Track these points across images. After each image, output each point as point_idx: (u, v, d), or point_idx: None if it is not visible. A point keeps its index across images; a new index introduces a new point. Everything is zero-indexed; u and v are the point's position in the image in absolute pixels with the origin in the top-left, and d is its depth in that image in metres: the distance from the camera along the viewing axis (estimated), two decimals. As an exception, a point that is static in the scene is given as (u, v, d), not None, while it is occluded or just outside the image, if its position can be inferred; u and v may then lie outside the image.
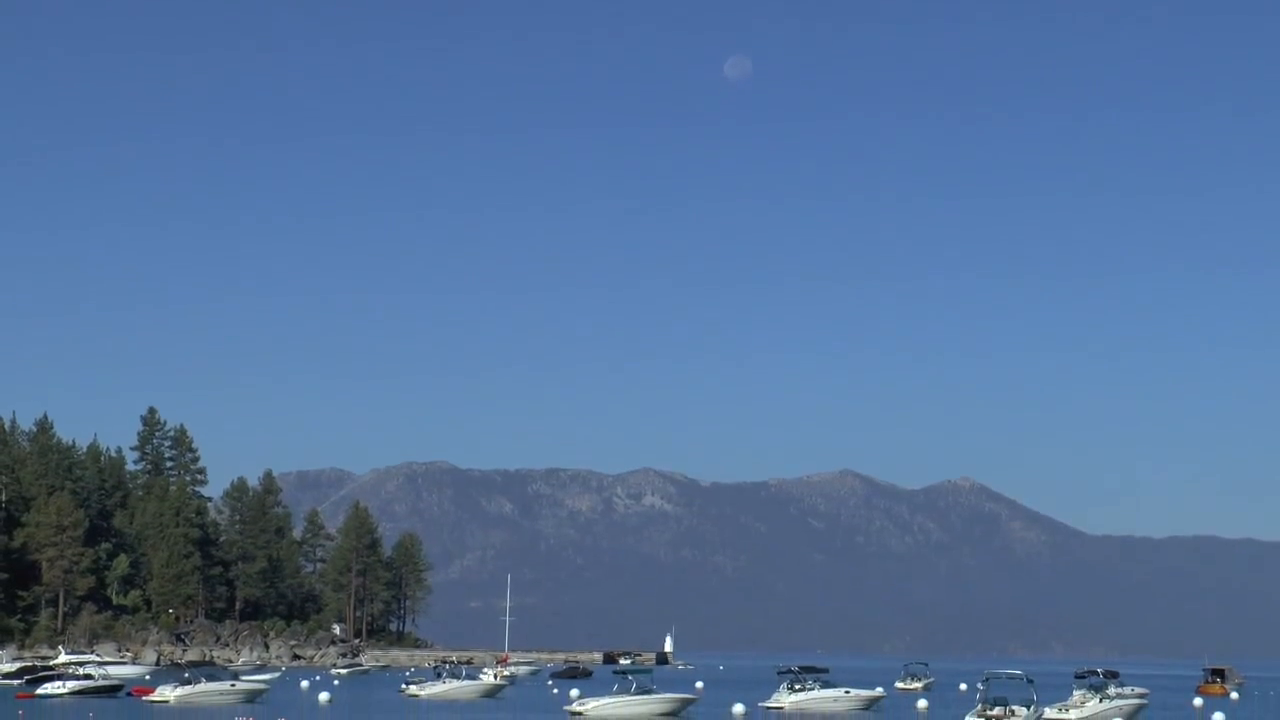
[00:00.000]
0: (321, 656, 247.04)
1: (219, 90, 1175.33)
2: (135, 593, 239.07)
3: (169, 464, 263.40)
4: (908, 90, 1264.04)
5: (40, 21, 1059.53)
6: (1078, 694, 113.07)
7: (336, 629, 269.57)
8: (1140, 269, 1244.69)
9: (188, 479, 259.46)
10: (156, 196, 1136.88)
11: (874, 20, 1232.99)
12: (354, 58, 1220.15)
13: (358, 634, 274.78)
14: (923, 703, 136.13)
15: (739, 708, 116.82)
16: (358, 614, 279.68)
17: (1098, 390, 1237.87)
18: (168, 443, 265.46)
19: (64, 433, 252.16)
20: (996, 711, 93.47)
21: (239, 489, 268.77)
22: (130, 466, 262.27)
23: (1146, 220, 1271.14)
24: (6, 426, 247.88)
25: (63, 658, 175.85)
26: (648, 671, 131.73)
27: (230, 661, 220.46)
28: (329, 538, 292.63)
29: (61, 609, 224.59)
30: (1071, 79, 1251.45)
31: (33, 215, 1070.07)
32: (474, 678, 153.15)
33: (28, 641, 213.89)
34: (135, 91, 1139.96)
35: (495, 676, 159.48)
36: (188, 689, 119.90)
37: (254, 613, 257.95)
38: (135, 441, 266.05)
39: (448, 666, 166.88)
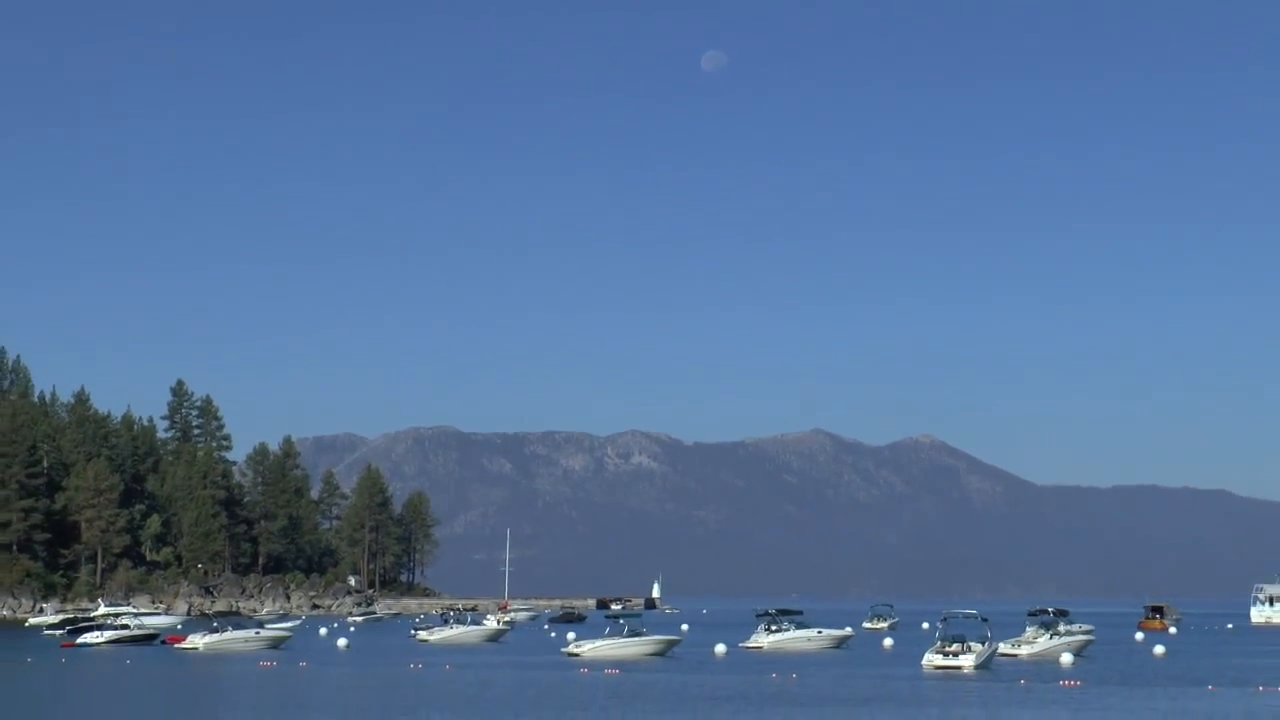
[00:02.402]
0: (338, 606, 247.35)
1: (221, 68, 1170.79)
2: (167, 550, 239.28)
3: (196, 431, 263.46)
4: (869, 73, 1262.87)
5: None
6: (1030, 631, 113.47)
7: (352, 580, 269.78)
8: (1084, 238, 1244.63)
9: (214, 445, 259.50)
10: (167, 181, 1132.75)
11: (842, 19, 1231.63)
12: (364, 39, 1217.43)
13: (371, 585, 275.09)
14: (888, 641, 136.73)
15: (721, 647, 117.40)
16: (371, 566, 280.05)
17: (1045, 351, 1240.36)
18: (195, 412, 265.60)
19: (100, 404, 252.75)
20: (954, 648, 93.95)
21: (261, 453, 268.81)
22: (161, 434, 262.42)
23: (1094, 184, 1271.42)
24: (47, 399, 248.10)
25: (101, 610, 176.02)
26: (637, 616, 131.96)
27: (255, 611, 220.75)
28: (344, 497, 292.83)
29: (100, 565, 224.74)
30: (1030, 54, 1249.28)
31: (69, 205, 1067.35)
32: (478, 623, 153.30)
33: (69, 595, 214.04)
34: (142, 70, 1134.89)
35: (497, 622, 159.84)
36: (216, 637, 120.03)
37: (276, 567, 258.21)
38: (165, 411, 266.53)
39: (454, 613, 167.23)
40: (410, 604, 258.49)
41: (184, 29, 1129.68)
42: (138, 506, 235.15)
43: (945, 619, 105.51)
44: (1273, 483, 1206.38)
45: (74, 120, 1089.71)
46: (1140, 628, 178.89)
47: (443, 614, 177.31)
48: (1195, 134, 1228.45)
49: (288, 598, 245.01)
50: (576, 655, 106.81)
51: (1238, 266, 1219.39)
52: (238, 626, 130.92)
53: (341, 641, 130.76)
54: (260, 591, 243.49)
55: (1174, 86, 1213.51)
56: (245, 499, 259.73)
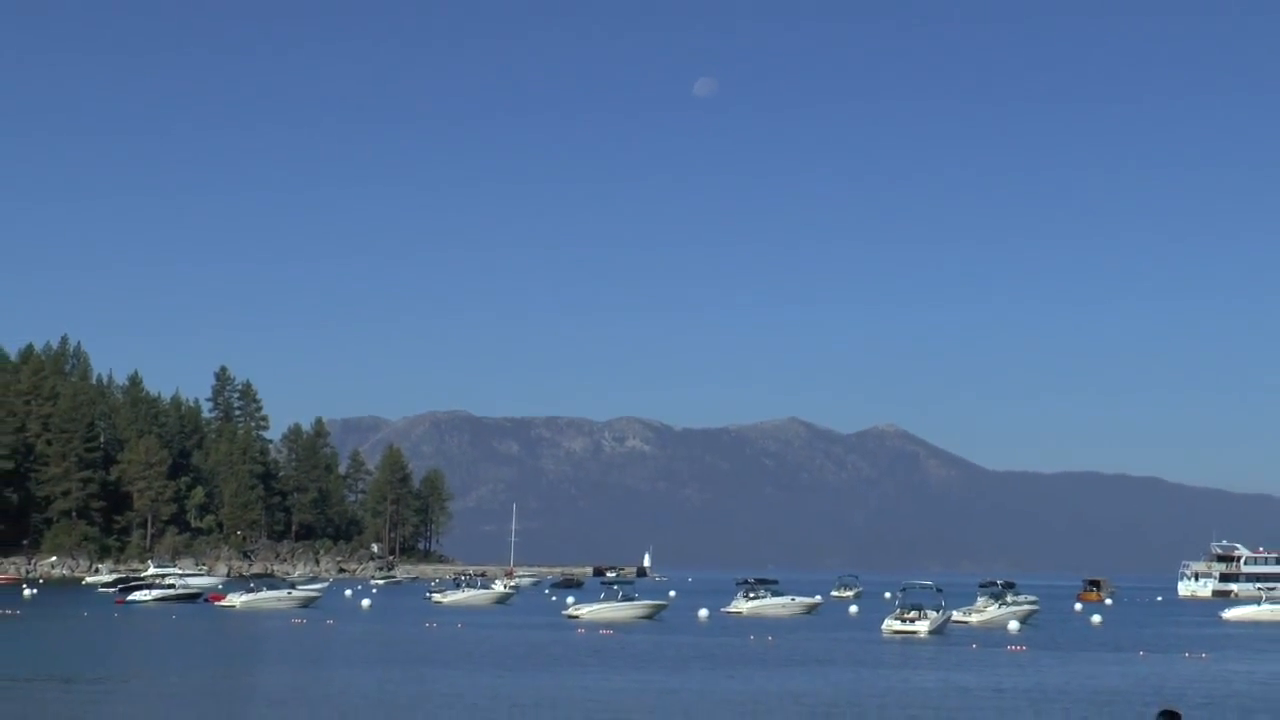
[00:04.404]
0: (362, 570, 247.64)
1: (263, 81, 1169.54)
2: (209, 518, 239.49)
3: (237, 412, 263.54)
4: (845, 97, 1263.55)
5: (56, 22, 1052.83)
6: (981, 600, 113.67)
7: (375, 548, 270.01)
8: (1033, 248, 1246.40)
9: (253, 425, 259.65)
10: (214, 184, 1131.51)
11: (820, 50, 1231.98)
12: (397, 55, 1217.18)
13: (392, 551, 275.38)
14: (854, 608, 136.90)
15: (703, 612, 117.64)
16: (392, 535, 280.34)
17: (999, 349, 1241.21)
18: (236, 395, 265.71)
19: (151, 387, 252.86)
20: (912, 615, 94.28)
21: (295, 433, 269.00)
22: (205, 414, 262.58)
23: (1041, 197, 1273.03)
24: (104, 381, 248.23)
25: (150, 570, 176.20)
26: (630, 583, 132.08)
27: (288, 574, 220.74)
28: (368, 473, 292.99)
29: (149, 531, 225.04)
30: (986, 81, 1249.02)
31: (127, 206, 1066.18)
32: (487, 587, 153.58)
33: (122, 557, 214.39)
34: (192, 78, 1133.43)
35: (504, 586, 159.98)
36: (253, 596, 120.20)
37: (307, 534, 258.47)
38: (210, 394, 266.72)
39: (465, 578, 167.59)
40: (426, 569, 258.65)
41: (232, 41, 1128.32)
42: (184, 479, 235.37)
43: (904, 589, 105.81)
44: (1199, 470, 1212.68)
45: (128, 129, 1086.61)
46: (1079, 599, 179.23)
47: (455, 579, 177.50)
48: (1141, 146, 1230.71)
49: (317, 562, 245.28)
50: (575, 617, 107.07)
51: (1171, 275, 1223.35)
52: (272, 587, 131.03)
53: (365, 602, 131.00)
54: (292, 556, 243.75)
55: (1124, 104, 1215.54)
56: (280, 473, 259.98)
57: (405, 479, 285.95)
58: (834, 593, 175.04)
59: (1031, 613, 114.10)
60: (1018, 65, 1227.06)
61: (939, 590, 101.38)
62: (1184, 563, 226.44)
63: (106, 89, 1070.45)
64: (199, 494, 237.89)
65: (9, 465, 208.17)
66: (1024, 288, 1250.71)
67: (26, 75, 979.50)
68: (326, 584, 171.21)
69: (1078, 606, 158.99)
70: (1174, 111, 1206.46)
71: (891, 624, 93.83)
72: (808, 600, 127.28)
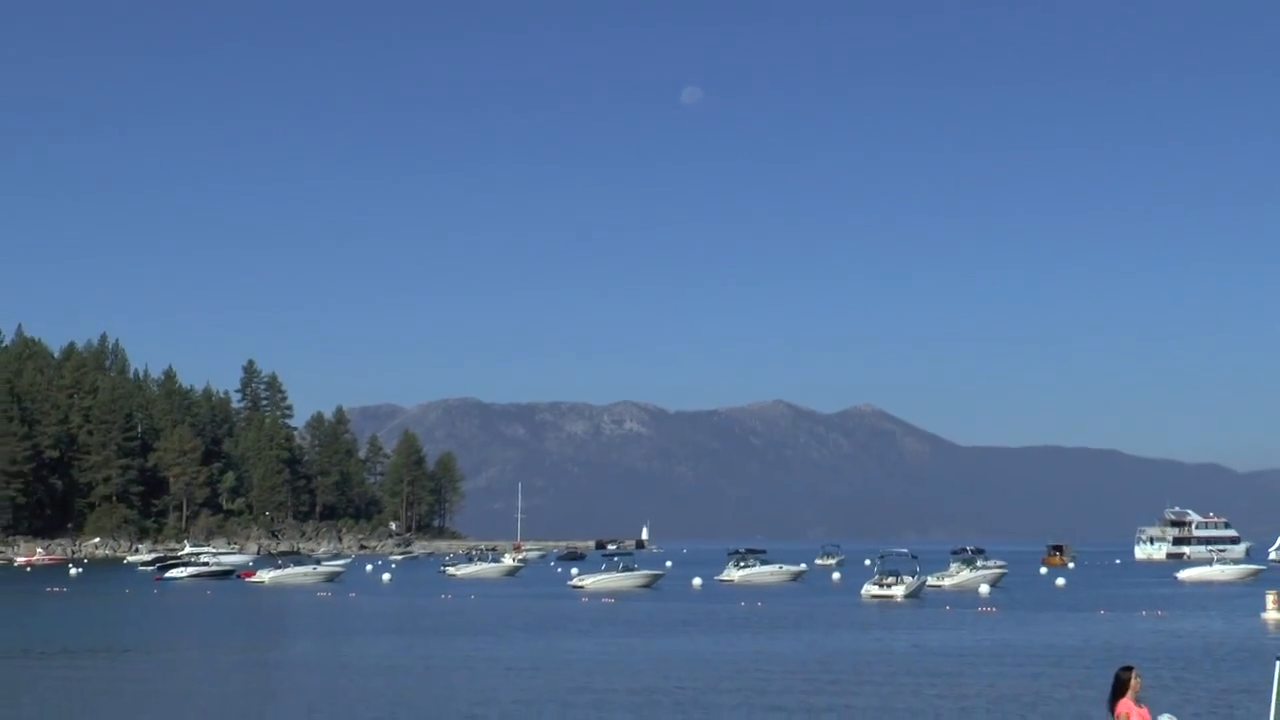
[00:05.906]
0: (382, 546, 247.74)
1: (282, 81, 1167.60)
2: (240, 500, 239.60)
3: (264, 402, 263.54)
4: (821, 97, 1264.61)
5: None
6: (953, 566, 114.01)
7: (393, 525, 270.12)
8: (999, 241, 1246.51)
9: (279, 414, 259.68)
10: (237, 191, 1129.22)
11: (807, 60, 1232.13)
12: (385, 52, 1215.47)
13: (409, 529, 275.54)
14: (836, 575, 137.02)
15: (697, 580, 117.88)
16: (409, 514, 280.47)
17: (967, 333, 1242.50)
18: (263, 386, 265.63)
19: (184, 380, 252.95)
20: (890, 580, 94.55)
21: (317, 421, 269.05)
22: (235, 405, 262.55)
23: (999, 183, 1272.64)
24: (141, 376, 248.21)
25: (186, 550, 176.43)
26: (629, 554, 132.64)
27: (313, 551, 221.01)
28: (386, 457, 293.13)
29: (185, 513, 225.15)
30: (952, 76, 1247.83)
31: (163, 210, 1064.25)
32: (497, 561, 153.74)
33: (160, 538, 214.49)
34: (218, 78, 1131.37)
35: (513, 560, 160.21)
36: (281, 572, 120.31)
37: (330, 514, 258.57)
38: (238, 386, 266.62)
39: (477, 553, 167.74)
40: (441, 545, 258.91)
41: (253, 37, 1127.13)
42: (216, 465, 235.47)
43: (883, 556, 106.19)
44: (1154, 444, 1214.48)
45: (150, 126, 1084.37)
46: (1044, 563, 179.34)
47: (468, 553, 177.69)
48: (1107, 125, 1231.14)
49: (340, 540, 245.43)
50: (579, 587, 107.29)
51: (1127, 254, 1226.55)
52: (298, 564, 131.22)
53: (385, 576, 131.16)
54: (317, 535, 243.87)
55: (1090, 85, 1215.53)
56: (304, 458, 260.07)
57: (420, 461, 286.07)
58: (818, 561, 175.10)
59: (1000, 576, 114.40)
60: (987, 56, 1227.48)
61: (914, 557, 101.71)
62: (1140, 528, 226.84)
63: (123, 87, 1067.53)
64: (230, 478, 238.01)
65: (54, 454, 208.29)
66: (988, 277, 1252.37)
67: (46, 75, 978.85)
68: (349, 560, 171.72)
69: (1043, 570, 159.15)
70: (1136, 89, 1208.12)
71: (870, 589, 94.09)
72: (793, 568, 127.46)
